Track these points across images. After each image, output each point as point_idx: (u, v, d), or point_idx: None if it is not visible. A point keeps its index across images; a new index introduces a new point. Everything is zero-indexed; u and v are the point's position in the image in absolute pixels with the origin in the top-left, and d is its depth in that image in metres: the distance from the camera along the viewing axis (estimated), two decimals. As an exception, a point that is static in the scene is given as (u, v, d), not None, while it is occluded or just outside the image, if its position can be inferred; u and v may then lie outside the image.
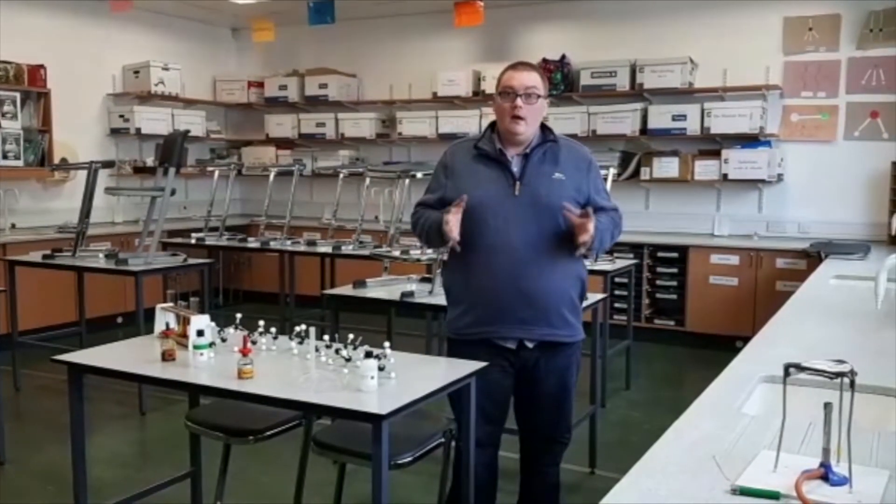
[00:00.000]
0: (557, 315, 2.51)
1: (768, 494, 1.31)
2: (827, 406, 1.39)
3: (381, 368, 2.15)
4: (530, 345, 2.52)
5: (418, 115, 7.33)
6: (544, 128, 2.58)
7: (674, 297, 6.14)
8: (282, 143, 8.00)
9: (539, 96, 2.47)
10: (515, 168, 2.51)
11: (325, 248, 5.71)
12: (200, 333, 2.40)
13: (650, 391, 5.14)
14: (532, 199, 2.46)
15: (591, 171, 2.58)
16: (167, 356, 2.40)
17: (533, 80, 2.47)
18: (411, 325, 5.32)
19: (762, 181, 6.11)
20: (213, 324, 2.51)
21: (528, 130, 2.49)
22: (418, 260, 4.16)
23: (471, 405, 2.36)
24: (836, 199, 6.06)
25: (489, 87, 6.89)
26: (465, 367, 2.36)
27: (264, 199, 6.39)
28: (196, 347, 2.39)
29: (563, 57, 6.66)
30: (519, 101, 2.44)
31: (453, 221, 2.39)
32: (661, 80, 6.26)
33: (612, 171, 4.82)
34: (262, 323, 2.58)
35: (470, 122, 7.00)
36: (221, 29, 8.29)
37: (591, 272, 4.59)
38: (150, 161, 7.24)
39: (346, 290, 3.88)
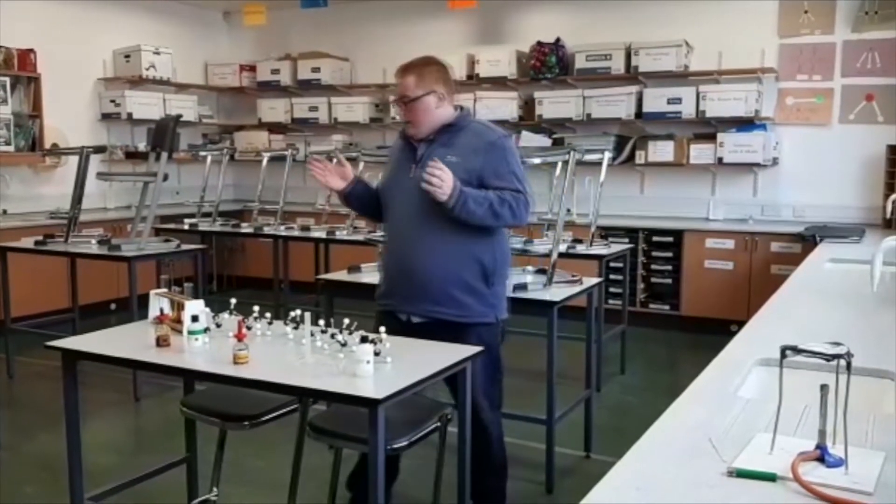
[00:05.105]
0: (443, 294, 2.62)
1: (765, 476, 1.32)
2: (823, 388, 1.39)
3: (376, 353, 2.14)
4: (415, 320, 2.66)
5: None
6: (463, 112, 2.74)
7: (669, 281, 6.15)
8: (274, 128, 7.96)
9: (415, 98, 2.63)
10: (420, 152, 2.68)
11: (318, 234, 5.69)
12: (195, 319, 2.39)
13: (645, 375, 5.16)
14: (419, 181, 2.56)
15: (489, 154, 2.63)
16: (162, 342, 2.38)
17: (404, 86, 2.66)
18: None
19: (757, 165, 6.11)
20: (207, 309, 2.50)
21: (419, 129, 2.68)
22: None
23: (467, 389, 2.36)
24: (831, 183, 6.06)
25: (484, 70, 6.87)
26: (460, 351, 2.36)
27: (257, 184, 6.37)
28: (191, 333, 2.38)
29: (558, 40, 6.62)
30: (400, 109, 2.71)
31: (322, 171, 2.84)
32: (657, 64, 6.23)
33: (607, 155, 4.80)
34: (256, 308, 2.57)
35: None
36: (213, 12, 8.21)
37: (587, 257, 4.67)
38: (141, 146, 7.21)
39: (340, 275, 3.86)
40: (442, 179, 2.47)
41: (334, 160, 2.93)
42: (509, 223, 2.67)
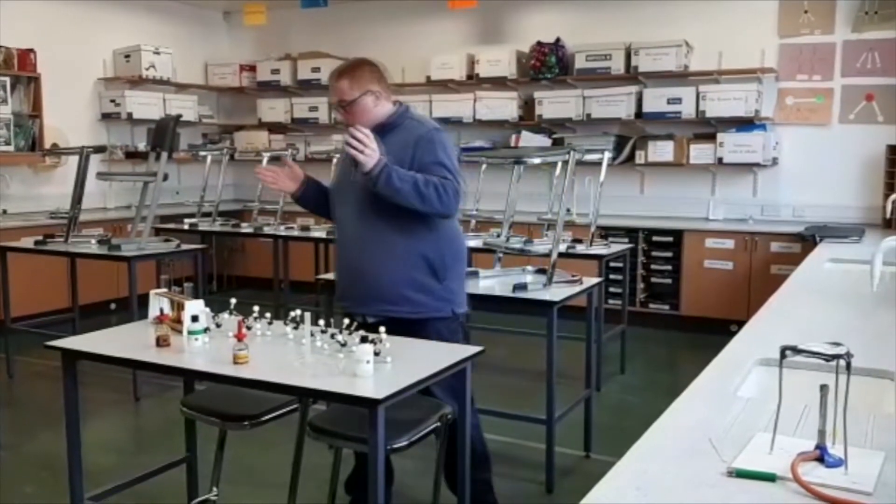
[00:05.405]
0: (393, 292, 2.64)
1: (764, 476, 1.31)
2: (823, 388, 1.39)
3: (376, 353, 2.14)
4: (371, 320, 2.62)
5: (412, 99, 7.23)
6: (401, 109, 2.76)
7: (668, 281, 6.15)
8: (274, 128, 7.96)
9: (352, 101, 2.66)
10: None
11: (318, 234, 5.69)
12: (195, 319, 2.39)
13: (645, 375, 5.15)
14: (361, 182, 2.58)
15: (418, 147, 2.64)
16: (162, 342, 2.38)
17: (340, 91, 2.69)
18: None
19: (757, 165, 6.11)
20: (207, 309, 2.50)
21: None
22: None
23: (467, 389, 2.36)
24: (830, 183, 6.06)
25: (483, 70, 6.87)
26: (460, 351, 2.36)
27: (257, 184, 6.36)
28: (191, 333, 2.38)
29: (558, 40, 6.62)
30: (340, 114, 2.75)
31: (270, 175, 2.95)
32: (656, 64, 6.23)
33: (607, 155, 4.80)
34: (256, 308, 2.57)
35: (464, 106, 6.96)
36: (213, 12, 8.21)
37: (587, 257, 4.67)
38: (141, 146, 7.21)
39: (340, 275, 3.85)
40: (364, 143, 2.48)
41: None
42: (436, 208, 2.57)
